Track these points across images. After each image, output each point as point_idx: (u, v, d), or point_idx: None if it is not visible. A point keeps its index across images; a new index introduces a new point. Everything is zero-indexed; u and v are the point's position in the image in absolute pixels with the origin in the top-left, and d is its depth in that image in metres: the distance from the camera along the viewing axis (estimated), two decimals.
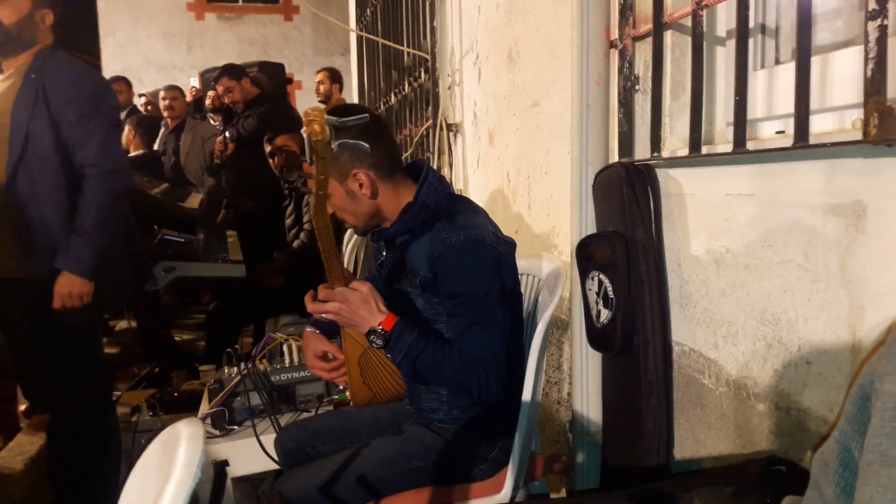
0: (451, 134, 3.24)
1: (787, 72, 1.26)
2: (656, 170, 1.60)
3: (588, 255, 1.70)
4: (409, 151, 3.65)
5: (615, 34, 1.71)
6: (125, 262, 2.50)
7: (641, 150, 1.64)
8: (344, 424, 1.83)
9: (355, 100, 5.43)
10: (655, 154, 1.55)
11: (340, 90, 6.14)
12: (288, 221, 3.94)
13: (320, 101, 5.83)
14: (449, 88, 3.23)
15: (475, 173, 3.03)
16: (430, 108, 3.32)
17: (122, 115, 5.86)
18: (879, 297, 1.04)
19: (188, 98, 6.74)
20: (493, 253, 1.56)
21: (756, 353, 1.32)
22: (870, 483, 0.63)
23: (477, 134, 2.95)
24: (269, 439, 1.95)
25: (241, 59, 9.17)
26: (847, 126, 1.15)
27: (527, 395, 1.60)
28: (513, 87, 2.49)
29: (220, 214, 5.04)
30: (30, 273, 2.24)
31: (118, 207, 2.35)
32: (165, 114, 5.93)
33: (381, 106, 4.45)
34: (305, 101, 11.13)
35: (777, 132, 1.37)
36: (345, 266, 3.62)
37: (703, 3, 1.36)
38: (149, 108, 6.61)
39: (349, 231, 3.91)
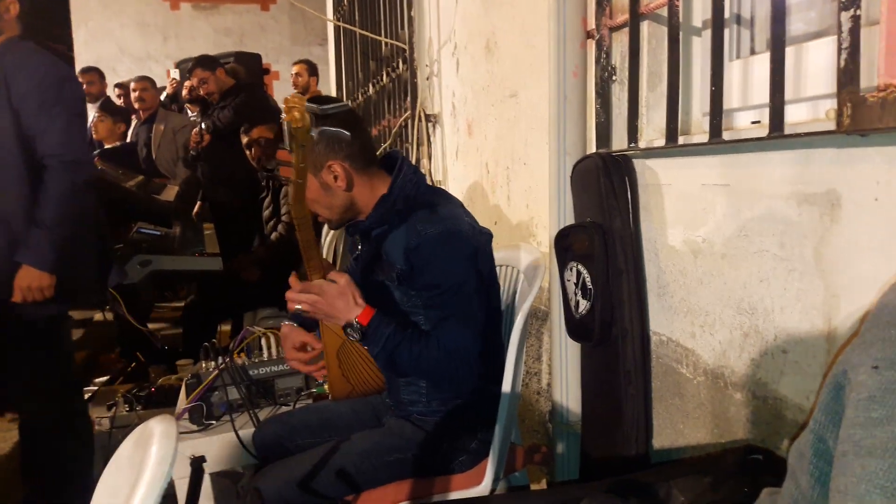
0: (429, 125, 3.22)
1: (763, 62, 1.26)
2: (633, 160, 1.60)
3: (566, 245, 1.70)
4: (388, 142, 3.63)
5: (592, 24, 1.70)
6: (91, 254, 2.46)
7: (619, 141, 1.64)
8: (323, 418, 1.83)
9: (333, 90, 5.39)
10: (632, 145, 1.55)
11: (317, 82, 6.10)
12: (265, 213, 3.91)
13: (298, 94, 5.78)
14: (427, 79, 3.22)
15: (454, 164, 3.02)
16: (408, 98, 3.30)
17: (95, 105, 5.77)
18: (853, 285, 1.05)
19: (168, 89, 6.65)
20: (469, 244, 1.56)
21: (733, 343, 1.33)
22: (844, 473, 0.64)
23: (456, 125, 2.94)
24: (247, 434, 1.94)
25: (218, 49, 9.05)
26: (821, 116, 1.15)
27: (506, 386, 1.60)
28: (491, 78, 2.48)
29: (196, 207, 4.99)
30: None
31: (81, 198, 2.30)
32: (136, 105, 5.84)
33: (360, 96, 4.43)
34: (283, 91, 11.00)
35: (753, 122, 1.37)
36: (323, 257, 3.60)
37: None
38: (122, 98, 6.52)
39: None
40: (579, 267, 1.64)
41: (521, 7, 2.16)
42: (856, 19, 0.96)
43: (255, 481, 1.63)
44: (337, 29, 4.97)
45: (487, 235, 1.65)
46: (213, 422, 2.11)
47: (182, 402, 2.22)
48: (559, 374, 1.90)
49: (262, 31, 12.21)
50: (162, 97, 6.45)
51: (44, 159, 2.19)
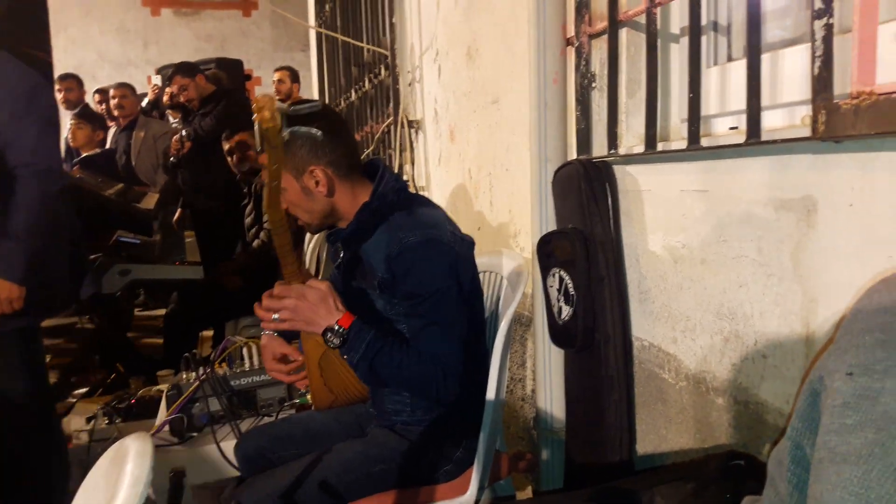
0: (412, 131, 3.22)
1: (740, 69, 1.27)
2: (613, 167, 1.61)
3: (548, 251, 1.71)
4: (371, 148, 3.63)
5: (571, 31, 1.71)
6: (64, 264, 2.42)
7: (599, 147, 1.65)
8: (305, 428, 1.81)
9: (315, 96, 5.38)
10: (612, 151, 1.55)
11: (299, 88, 6.09)
12: (247, 220, 3.89)
13: (280, 101, 5.76)
14: (409, 85, 3.22)
15: (437, 170, 3.02)
16: (390, 104, 3.30)
17: (74, 112, 5.71)
18: (830, 290, 1.06)
19: (150, 95, 6.60)
20: (451, 252, 1.55)
21: (714, 348, 1.33)
22: (820, 480, 0.64)
23: (438, 131, 2.94)
24: (229, 445, 1.92)
25: (199, 55, 9.01)
26: (797, 122, 1.16)
27: (490, 393, 1.59)
28: (472, 84, 2.48)
29: (177, 214, 4.95)
30: None
31: (53, 208, 2.25)
32: (115, 112, 5.79)
33: (342, 102, 4.42)
34: None
35: (730, 128, 1.38)
36: (306, 265, 3.58)
37: (657, 1, 1.37)
38: (103, 105, 6.46)
39: None
40: (561, 273, 1.64)
41: (502, 14, 2.17)
42: (829, 28, 0.97)
43: (237, 494, 1.62)
44: (319, 35, 4.97)
45: (469, 243, 1.64)
46: (195, 434, 2.09)
47: (163, 413, 2.20)
48: (543, 380, 1.90)
49: (243, 37, 12.17)
50: (143, 103, 6.41)
51: (15, 169, 2.16)
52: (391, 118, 3.30)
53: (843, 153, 1.01)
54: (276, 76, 6.14)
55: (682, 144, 1.31)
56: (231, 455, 1.87)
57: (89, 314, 4.17)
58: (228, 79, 5.71)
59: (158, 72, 7.10)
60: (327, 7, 4.60)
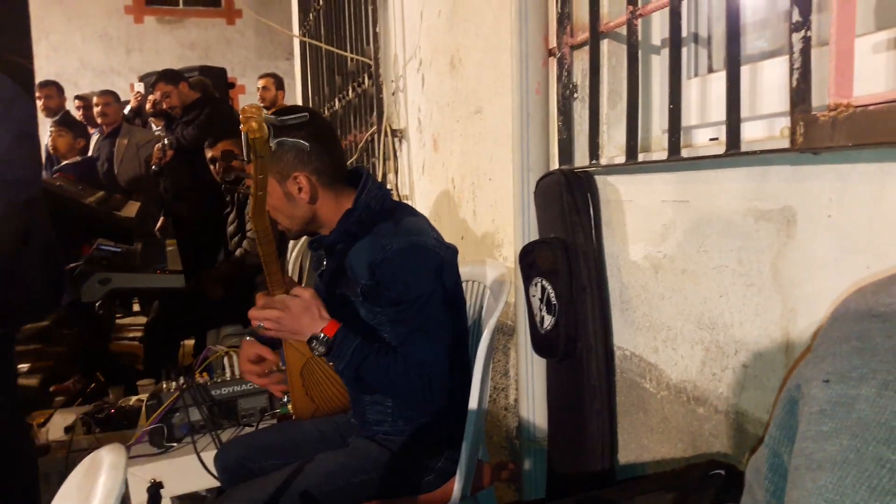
0: (395, 140, 3.23)
1: (720, 80, 1.28)
2: (595, 177, 1.62)
3: (531, 261, 1.71)
4: (355, 157, 3.62)
5: (554, 43, 1.72)
6: (36, 274, 2.38)
7: (581, 158, 1.66)
8: (287, 439, 1.80)
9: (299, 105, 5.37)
10: (594, 161, 1.56)
11: (284, 96, 6.07)
12: (230, 229, 3.87)
13: (265, 108, 5.75)
14: (393, 94, 3.22)
15: (421, 179, 3.03)
16: (374, 113, 3.30)
17: (54, 120, 5.67)
18: (809, 300, 1.07)
19: (133, 102, 6.56)
20: (435, 258, 1.55)
21: (695, 357, 1.34)
22: (796, 487, 0.64)
23: (422, 140, 2.95)
24: (210, 456, 1.90)
25: (183, 63, 8.97)
26: (776, 134, 1.18)
27: (473, 402, 1.59)
28: (456, 94, 2.49)
29: (159, 222, 4.91)
30: None
31: (19, 218, 2.22)
32: (99, 120, 5.76)
33: (326, 111, 4.41)
34: None
35: (711, 139, 1.39)
36: (289, 274, 3.56)
37: (638, 13, 1.38)
38: (85, 112, 6.41)
39: None
40: (544, 282, 1.65)
41: (485, 25, 2.18)
42: (807, 40, 0.98)
43: None
44: (303, 44, 4.97)
45: (452, 250, 1.65)
46: (175, 444, 2.06)
47: (143, 423, 2.17)
48: (525, 389, 1.90)
49: (227, 45, 12.15)
50: (126, 110, 6.37)
51: None
52: (375, 127, 3.30)
53: (822, 164, 1.02)
54: (261, 83, 6.13)
55: (663, 155, 1.31)
56: (212, 465, 1.85)
57: (69, 322, 4.11)
58: (212, 87, 5.69)
59: (141, 79, 7.07)
60: (311, 16, 4.60)
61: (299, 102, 5.40)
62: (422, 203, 3.00)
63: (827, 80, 0.96)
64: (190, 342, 4.06)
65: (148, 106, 5.84)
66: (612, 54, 1.58)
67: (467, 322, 1.77)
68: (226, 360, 2.25)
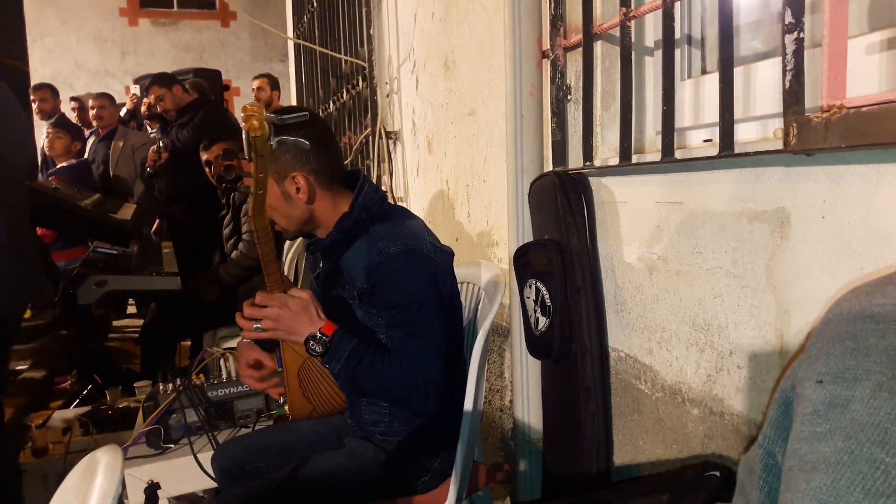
0: (390, 142, 3.23)
1: (713, 81, 1.28)
2: (589, 178, 1.62)
3: (525, 262, 1.71)
4: (349, 159, 3.62)
5: (547, 44, 1.72)
6: (9, 273, 2.35)
7: (575, 159, 1.66)
8: (283, 440, 1.80)
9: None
10: (588, 163, 1.56)
11: (279, 97, 6.06)
12: (225, 231, 3.86)
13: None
14: (387, 96, 3.22)
15: (415, 181, 3.03)
16: (368, 115, 3.30)
17: (49, 122, 5.66)
18: (803, 301, 1.07)
19: (128, 104, 6.55)
20: (431, 262, 1.56)
21: (689, 359, 1.34)
22: (790, 488, 0.64)
23: (416, 142, 2.95)
24: (206, 457, 1.90)
25: (177, 65, 8.97)
26: (770, 135, 1.18)
27: (468, 404, 1.59)
28: (450, 96, 2.49)
29: (155, 225, 4.91)
30: None
31: None
32: (94, 123, 5.75)
33: (321, 113, 4.41)
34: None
35: (705, 140, 1.40)
36: (285, 274, 3.56)
37: (631, 14, 1.38)
38: (80, 113, 6.40)
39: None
40: (538, 284, 1.65)
41: (478, 27, 2.18)
42: (799, 42, 0.99)
43: None
44: (297, 46, 4.96)
45: (448, 254, 1.65)
46: (172, 445, 2.06)
47: (139, 425, 2.17)
48: (520, 391, 1.90)
49: (222, 48, 12.14)
50: (122, 112, 6.36)
51: None
52: (369, 129, 3.30)
53: (815, 166, 1.03)
54: (256, 84, 6.12)
55: (657, 157, 1.32)
56: (208, 466, 1.85)
57: (65, 324, 4.11)
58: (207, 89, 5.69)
59: (136, 81, 7.05)
60: (305, 18, 4.60)
61: (294, 104, 5.40)
62: (416, 205, 3.00)
63: (820, 81, 0.96)
64: (186, 344, 4.05)
65: (143, 108, 5.84)
66: (606, 56, 1.59)
67: (463, 324, 1.77)
68: (222, 361, 2.25)
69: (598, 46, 1.58)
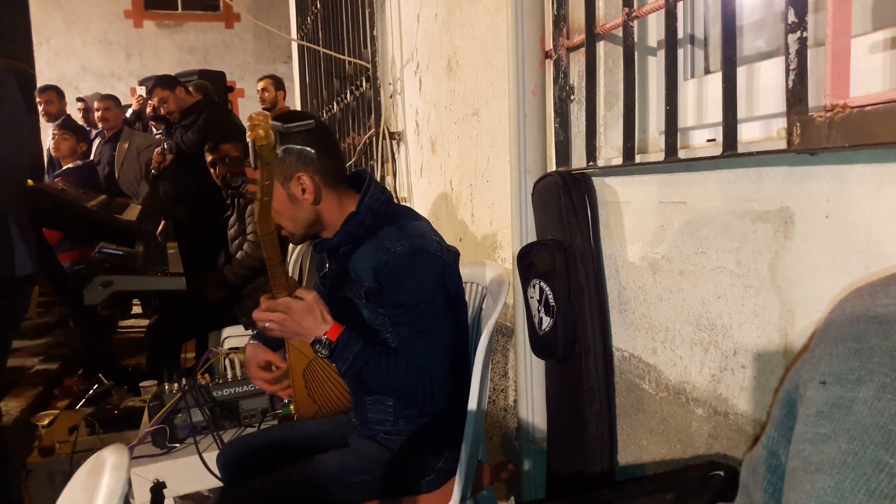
0: (393, 142, 3.23)
1: (717, 81, 1.28)
2: (592, 178, 1.62)
3: (529, 263, 1.71)
4: (353, 160, 3.63)
5: (550, 45, 1.72)
6: None
7: (578, 159, 1.66)
8: (288, 439, 1.81)
9: (298, 108, 5.38)
10: (591, 163, 1.56)
11: (284, 97, 6.08)
12: (230, 232, 3.87)
13: (265, 109, 5.77)
14: (391, 97, 3.23)
15: (419, 181, 3.03)
16: (372, 116, 3.30)
17: (54, 125, 5.69)
18: (807, 301, 1.07)
19: (134, 105, 6.59)
20: (438, 262, 1.57)
21: (693, 358, 1.34)
22: (794, 490, 0.64)
23: (419, 142, 2.95)
24: (212, 456, 1.91)
25: (182, 67, 9.00)
26: (773, 134, 1.18)
27: (472, 404, 1.59)
28: (453, 96, 2.49)
29: (160, 226, 4.92)
30: None
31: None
32: (100, 125, 5.78)
33: (324, 114, 4.42)
34: (248, 108, 11.00)
35: (708, 140, 1.39)
36: (290, 275, 3.57)
37: (634, 14, 1.38)
38: (85, 114, 6.43)
39: None
40: (542, 284, 1.65)
41: (481, 27, 2.18)
42: (802, 41, 0.98)
43: None
44: (301, 47, 4.97)
45: (455, 254, 1.65)
46: (177, 445, 2.08)
47: (145, 424, 2.19)
48: (525, 390, 1.90)
49: (226, 49, 12.17)
50: (128, 113, 6.39)
51: None
52: (373, 130, 3.31)
53: (819, 165, 1.02)
54: (260, 85, 6.13)
55: (660, 156, 1.31)
56: (214, 466, 1.86)
57: (71, 323, 4.13)
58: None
59: (141, 83, 7.08)
60: (309, 20, 4.61)
61: (298, 105, 5.41)
62: (420, 205, 3.00)
63: (823, 80, 0.96)
64: (192, 344, 4.07)
65: (148, 110, 5.86)
66: (609, 56, 1.58)
67: (468, 324, 1.77)
68: (227, 361, 2.26)
69: (601, 46, 1.58)
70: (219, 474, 1.84)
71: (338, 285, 1.68)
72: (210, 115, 4.55)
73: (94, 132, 6.16)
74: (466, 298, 1.83)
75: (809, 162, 1.03)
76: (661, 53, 1.48)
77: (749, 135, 1.23)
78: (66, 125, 5.69)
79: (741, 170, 1.18)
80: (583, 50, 1.57)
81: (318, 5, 4.28)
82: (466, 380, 1.61)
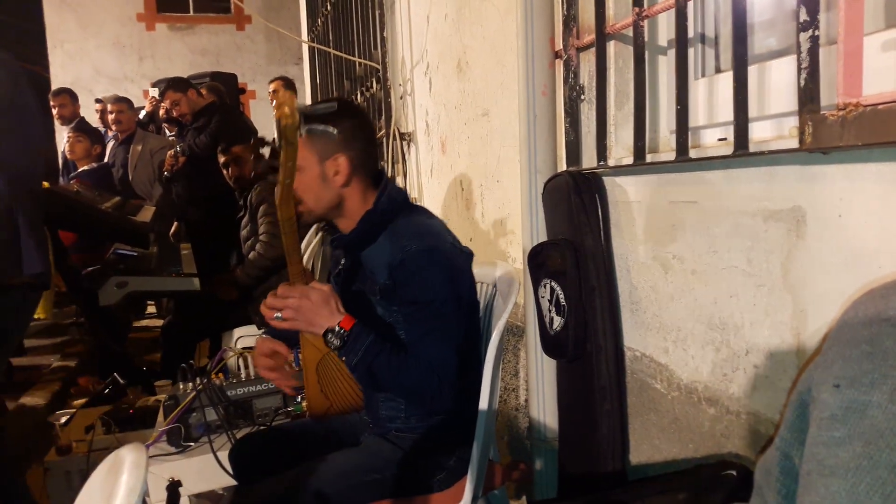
0: (404, 143, 3.24)
1: (728, 80, 1.28)
2: (603, 178, 1.62)
3: (539, 262, 1.71)
4: None
5: (560, 45, 1.72)
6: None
7: (588, 159, 1.66)
8: (300, 437, 1.82)
9: None
10: (601, 163, 1.56)
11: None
12: (243, 233, 3.89)
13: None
14: (401, 98, 3.23)
15: (429, 182, 3.03)
16: (382, 117, 3.31)
17: (68, 127, 5.74)
18: (820, 300, 1.07)
19: (148, 107, 6.63)
20: (452, 261, 1.57)
21: (705, 358, 1.34)
22: (809, 493, 0.64)
23: (429, 143, 2.95)
24: (226, 455, 1.92)
25: (194, 69, 9.05)
26: (785, 133, 1.17)
27: (483, 403, 1.59)
28: (463, 97, 2.49)
29: (174, 227, 4.95)
30: None
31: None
32: (114, 127, 5.82)
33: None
34: (260, 110, 11.04)
35: (719, 139, 1.39)
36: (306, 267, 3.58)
37: (644, 14, 1.38)
38: (102, 115, 6.48)
39: (307, 237, 3.87)
40: (552, 284, 1.65)
41: (491, 27, 2.18)
42: (814, 40, 0.98)
43: (233, 502, 1.62)
44: (312, 49, 4.99)
45: (468, 255, 1.66)
46: (192, 443, 2.09)
47: (160, 423, 2.20)
48: (536, 390, 1.90)
49: (238, 51, 12.22)
50: (141, 115, 6.44)
51: None
52: (383, 131, 3.31)
53: (831, 164, 1.02)
54: (272, 86, 6.17)
55: (671, 156, 1.31)
56: (228, 464, 1.87)
57: (86, 324, 4.17)
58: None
59: (154, 85, 7.14)
60: (319, 21, 4.63)
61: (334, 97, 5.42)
62: (431, 205, 3.01)
63: (836, 79, 0.96)
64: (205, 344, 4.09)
65: (161, 112, 5.90)
66: (619, 55, 1.58)
67: (480, 323, 1.77)
68: (241, 361, 2.28)
69: (611, 46, 1.58)
70: (232, 473, 1.85)
71: (352, 281, 1.68)
72: (222, 117, 4.58)
73: (108, 134, 6.21)
74: (477, 298, 1.83)
75: (822, 161, 1.03)
76: (672, 53, 1.47)
77: (760, 134, 1.23)
78: (81, 128, 5.74)
79: (753, 169, 1.18)
80: (593, 50, 1.57)
81: (329, 7, 4.30)
82: (477, 379, 1.62)
